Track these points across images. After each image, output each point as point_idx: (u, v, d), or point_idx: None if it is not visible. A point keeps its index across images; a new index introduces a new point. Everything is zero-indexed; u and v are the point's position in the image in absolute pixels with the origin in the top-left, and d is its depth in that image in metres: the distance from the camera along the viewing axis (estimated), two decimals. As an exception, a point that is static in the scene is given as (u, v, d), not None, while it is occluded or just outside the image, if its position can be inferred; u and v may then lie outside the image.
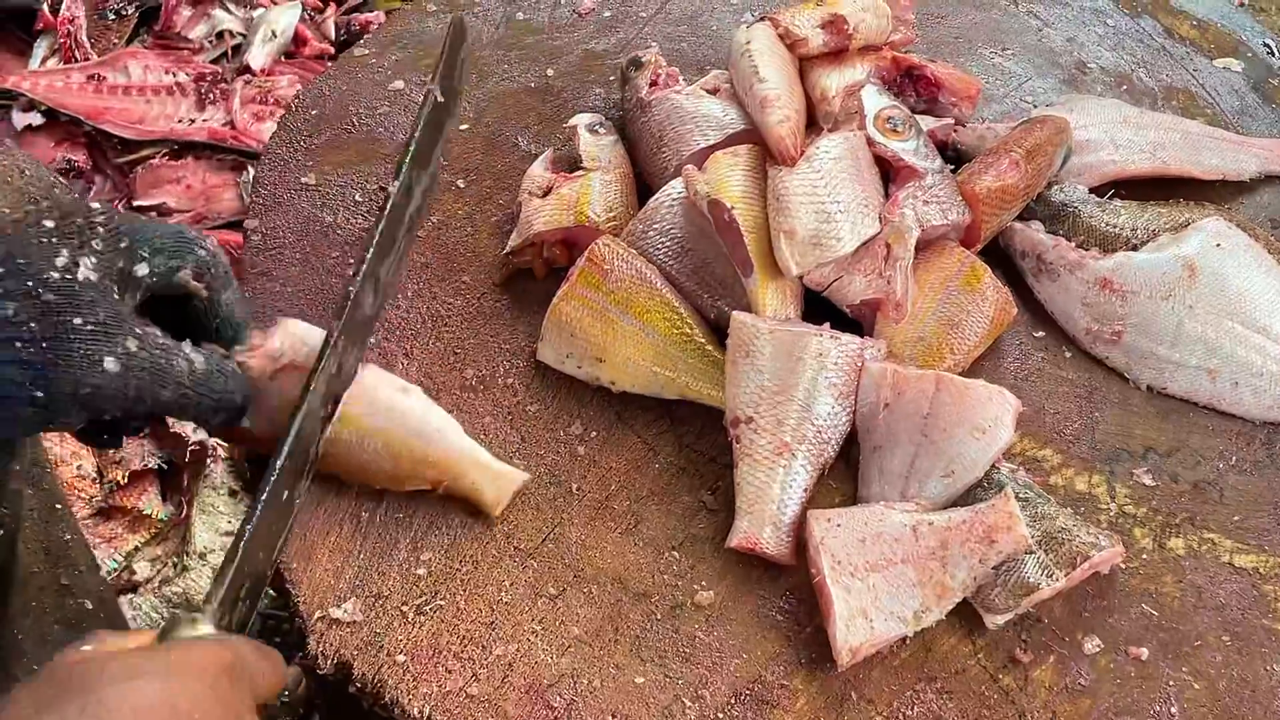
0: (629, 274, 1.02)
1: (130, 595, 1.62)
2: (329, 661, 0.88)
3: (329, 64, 1.98)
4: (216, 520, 1.69)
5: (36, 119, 1.99)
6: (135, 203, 1.94)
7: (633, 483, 0.98)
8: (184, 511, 1.66)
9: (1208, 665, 0.90)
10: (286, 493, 0.80)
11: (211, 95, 2.06)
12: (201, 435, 1.68)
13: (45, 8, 2.11)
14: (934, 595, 0.88)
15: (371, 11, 2.24)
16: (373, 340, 1.05)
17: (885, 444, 0.96)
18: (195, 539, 1.66)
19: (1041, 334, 1.10)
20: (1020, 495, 0.92)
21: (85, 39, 2.10)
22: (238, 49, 2.17)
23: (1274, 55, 1.39)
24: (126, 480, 1.65)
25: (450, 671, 0.87)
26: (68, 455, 1.65)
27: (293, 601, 0.91)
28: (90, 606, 0.98)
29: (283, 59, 2.16)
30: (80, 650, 0.64)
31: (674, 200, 1.06)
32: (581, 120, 1.15)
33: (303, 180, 1.18)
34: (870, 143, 1.06)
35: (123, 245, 0.74)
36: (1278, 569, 0.96)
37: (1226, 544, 0.97)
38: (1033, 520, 0.91)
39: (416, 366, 1.04)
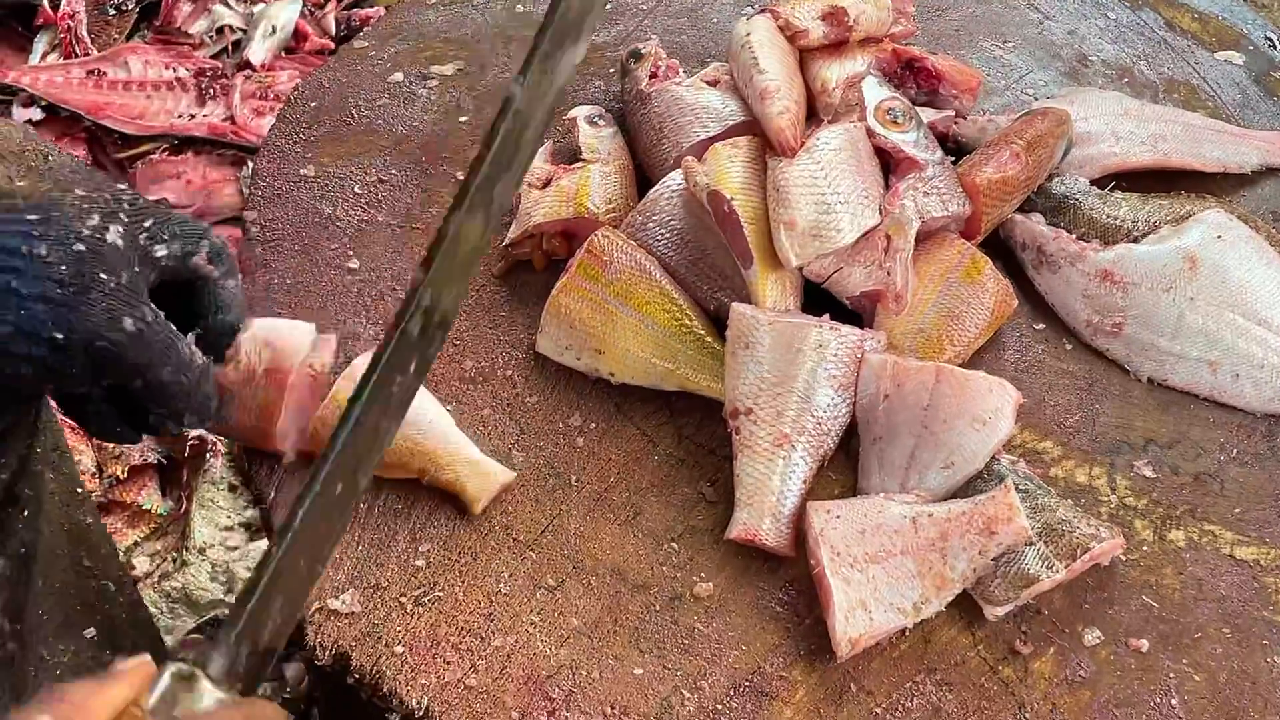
0: (628, 265, 1.02)
1: (129, 590, 1.62)
2: (327, 653, 0.88)
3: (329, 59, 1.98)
4: (216, 515, 1.69)
5: (37, 114, 1.99)
6: (135, 198, 1.93)
7: (632, 474, 0.98)
8: (183, 506, 1.66)
9: (1208, 657, 0.90)
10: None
11: (212, 90, 2.06)
12: (201, 431, 1.68)
13: (45, 3, 2.11)
14: (934, 587, 0.88)
15: (372, 7, 2.24)
16: (370, 332, 1.05)
17: (885, 435, 0.96)
18: (194, 534, 1.66)
19: (1042, 326, 1.10)
20: (1020, 487, 0.91)
21: (85, 34, 2.10)
22: (238, 44, 2.17)
23: (1275, 48, 1.38)
24: (126, 475, 1.65)
25: (448, 663, 0.87)
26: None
27: (291, 592, 0.90)
28: (112, 588, 0.99)
29: (283, 54, 2.16)
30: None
31: (673, 192, 1.06)
32: (581, 112, 1.15)
33: (302, 172, 1.18)
34: (870, 134, 1.06)
35: (147, 224, 0.75)
36: (1278, 561, 0.96)
37: (1227, 536, 0.97)
38: (1033, 512, 0.90)
39: (415, 358, 1.04)
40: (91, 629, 0.95)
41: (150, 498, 1.66)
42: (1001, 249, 1.12)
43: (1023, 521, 0.88)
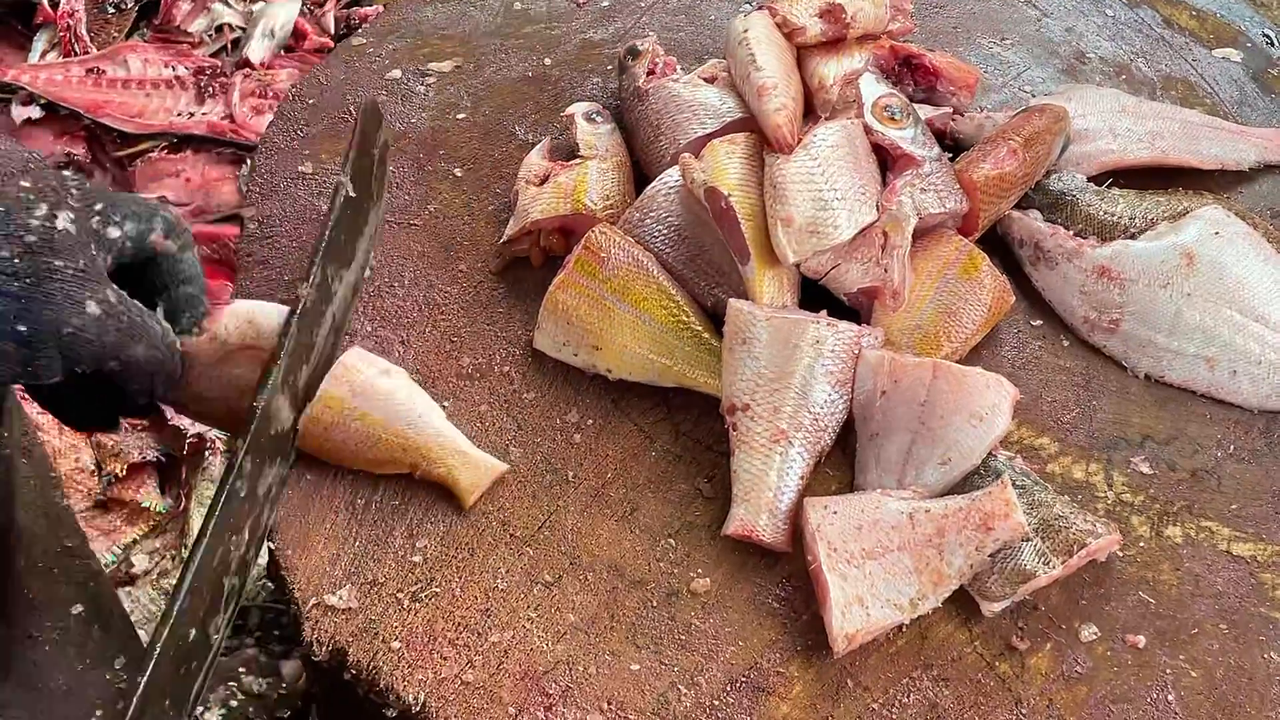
0: (626, 262, 1.02)
1: (128, 588, 1.62)
2: (324, 649, 0.88)
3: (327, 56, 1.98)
4: (215, 513, 1.69)
5: (36, 113, 1.99)
6: (134, 196, 1.93)
7: (629, 470, 0.98)
8: (182, 504, 1.67)
9: (1205, 653, 0.90)
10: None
11: (211, 89, 2.06)
12: (200, 428, 1.68)
13: (45, 1, 2.11)
14: (930, 582, 0.88)
15: (370, 5, 2.24)
16: (369, 329, 1.05)
17: (882, 431, 0.96)
18: (193, 531, 1.66)
19: (1039, 322, 1.10)
20: (1017, 483, 0.91)
21: (85, 33, 2.10)
22: (237, 43, 2.17)
23: (1273, 45, 1.38)
24: (125, 473, 1.65)
25: (445, 658, 0.87)
26: (66, 448, 1.65)
27: (288, 589, 0.90)
28: (94, 566, 0.99)
29: (282, 52, 2.16)
30: None
31: (671, 188, 1.06)
32: (579, 109, 1.15)
33: (300, 169, 1.18)
34: (868, 131, 1.06)
35: (97, 207, 0.76)
36: (1275, 557, 0.96)
37: (1224, 532, 0.97)
38: (1029, 508, 0.90)
39: (413, 354, 1.04)
40: (79, 605, 0.95)
41: (149, 495, 1.67)
42: (999, 245, 1.12)
43: (1019, 517, 0.88)
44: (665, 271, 1.03)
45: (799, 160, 1.02)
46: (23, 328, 0.69)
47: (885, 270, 1.00)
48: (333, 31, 2.20)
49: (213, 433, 1.68)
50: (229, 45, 2.17)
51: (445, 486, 0.94)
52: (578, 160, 1.11)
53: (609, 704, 0.86)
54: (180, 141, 2.00)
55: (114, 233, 0.76)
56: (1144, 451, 1.02)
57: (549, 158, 1.13)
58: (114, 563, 1.61)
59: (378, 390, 0.94)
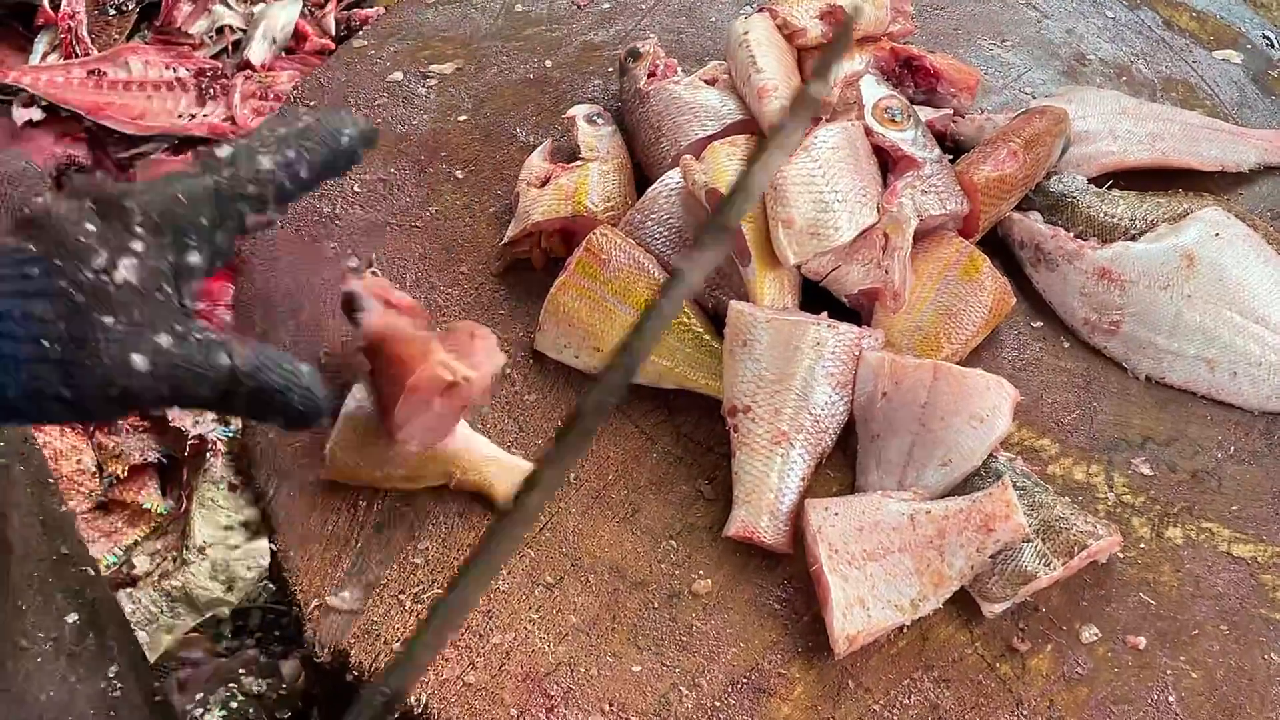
0: (627, 263, 1.02)
1: (130, 589, 1.62)
2: (326, 650, 0.88)
3: (328, 58, 1.98)
4: (216, 514, 1.69)
5: (37, 114, 1.98)
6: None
7: (630, 472, 0.98)
8: (183, 505, 1.66)
9: (1205, 654, 0.90)
10: None
11: (212, 91, 2.06)
12: (201, 429, 1.68)
13: (46, 3, 2.11)
14: (931, 584, 0.88)
15: (371, 7, 2.24)
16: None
17: (883, 433, 0.96)
18: (195, 533, 1.66)
19: (1039, 324, 1.10)
20: (1018, 484, 0.91)
21: (86, 34, 2.10)
22: (238, 44, 2.17)
23: (1273, 47, 1.39)
24: (126, 474, 1.65)
25: (447, 660, 0.87)
26: (67, 449, 1.65)
27: (290, 590, 0.91)
28: (92, 573, 0.99)
29: (283, 54, 2.16)
30: None
31: (672, 190, 1.06)
32: (580, 111, 1.15)
33: (301, 171, 1.18)
34: (869, 132, 1.06)
35: (165, 241, 0.71)
36: (1275, 558, 0.96)
37: (1224, 533, 0.97)
38: (1030, 509, 0.91)
39: (414, 356, 1.04)
40: (74, 614, 0.95)
41: (150, 497, 1.66)
42: (999, 247, 1.12)
43: (1020, 519, 0.88)
44: (666, 273, 1.03)
45: (800, 162, 1.02)
46: (66, 393, 0.66)
47: (886, 272, 1.01)
48: (334, 33, 2.20)
49: (214, 433, 1.68)
50: (230, 47, 2.16)
51: (481, 493, 0.94)
52: (579, 162, 1.11)
53: (610, 705, 0.86)
54: (182, 143, 2.00)
55: (194, 258, 0.71)
56: (1144, 453, 1.02)
57: (550, 160, 1.13)
58: (115, 564, 1.61)
59: None
